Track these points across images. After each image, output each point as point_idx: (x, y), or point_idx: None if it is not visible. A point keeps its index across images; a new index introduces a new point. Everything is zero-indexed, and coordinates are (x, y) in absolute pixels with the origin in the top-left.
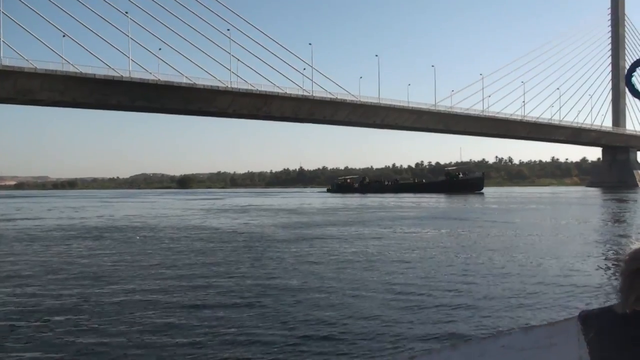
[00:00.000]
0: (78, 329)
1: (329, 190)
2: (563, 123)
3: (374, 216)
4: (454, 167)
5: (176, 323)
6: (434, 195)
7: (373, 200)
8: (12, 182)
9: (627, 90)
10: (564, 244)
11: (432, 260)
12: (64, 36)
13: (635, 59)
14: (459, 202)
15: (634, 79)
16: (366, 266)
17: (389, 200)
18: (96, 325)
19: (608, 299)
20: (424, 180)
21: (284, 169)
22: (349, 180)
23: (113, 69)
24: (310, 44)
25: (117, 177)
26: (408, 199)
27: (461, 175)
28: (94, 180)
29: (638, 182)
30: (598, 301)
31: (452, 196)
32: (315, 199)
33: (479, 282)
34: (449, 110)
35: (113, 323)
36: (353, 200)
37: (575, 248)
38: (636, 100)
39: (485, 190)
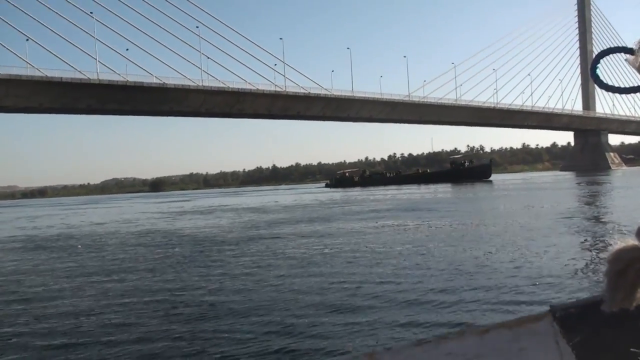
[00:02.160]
0: None
1: (327, 185)
2: (535, 109)
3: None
4: (460, 155)
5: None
6: (439, 185)
7: (375, 193)
8: None
9: (592, 80)
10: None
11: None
12: (27, 40)
13: (602, 45)
14: (465, 192)
15: (598, 71)
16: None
17: (392, 192)
18: None
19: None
20: (428, 170)
21: (257, 167)
22: (347, 174)
23: (80, 71)
24: (281, 38)
25: (88, 184)
26: (411, 190)
27: (467, 164)
28: (64, 187)
29: (610, 164)
30: (568, 292)
31: (458, 185)
32: (319, 194)
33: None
34: (423, 100)
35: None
36: (354, 193)
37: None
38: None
39: (494, 177)
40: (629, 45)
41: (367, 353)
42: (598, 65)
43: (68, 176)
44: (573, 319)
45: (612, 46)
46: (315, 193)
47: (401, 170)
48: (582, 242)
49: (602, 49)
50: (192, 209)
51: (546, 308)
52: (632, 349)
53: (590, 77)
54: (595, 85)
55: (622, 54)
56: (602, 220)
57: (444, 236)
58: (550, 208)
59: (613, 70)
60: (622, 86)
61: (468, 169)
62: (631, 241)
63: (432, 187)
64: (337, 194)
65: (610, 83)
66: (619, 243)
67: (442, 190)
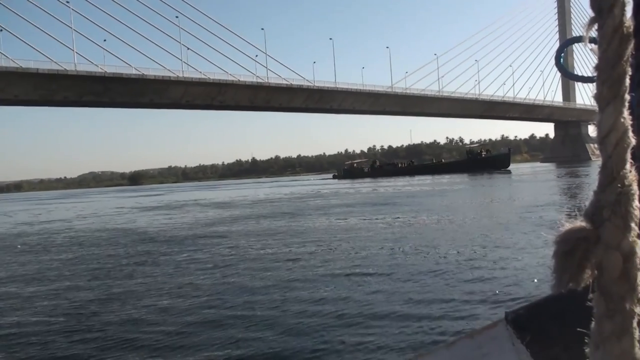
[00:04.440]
0: None
1: (335, 177)
2: (517, 100)
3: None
4: (477, 145)
5: None
6: (455, 175)
7: (387, 184)
8: None
9: (557, 70)
10: None
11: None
12: (1, 30)
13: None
14: (486, 182)
15: (562, 60)
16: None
17: (404, 183)
18: None
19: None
20: (442, 160)
21: (237, 160)
22: (355, 165)
23: (57, 62)
24: (262, 29)
25: (65, 177)
26: (426, 182)
27: (484, 153)
28: (41, 181)
29: (591, 156)
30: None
31: (475, 176)
32: (331, 185)
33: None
34: (406, 92)
35: None
36: (367, 185)
37: None
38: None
39: (513, 167)
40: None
41: None
42: (562, 54)
43: (45, 170)
44: (523, 319)
45: (576, 35)
46: (326, 184)
47: (414, 160)
48: None
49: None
50: (163, 204)
51: (502, 315)
52: (579, 330)
53: (555, 65)
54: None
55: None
56: None
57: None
58: None
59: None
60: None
61: (485, 159)
62: (579, 222)
63: (448, 178)
64: (350, 185)
65: (585, 74)
66: (566, 225)
67: (459, 181)
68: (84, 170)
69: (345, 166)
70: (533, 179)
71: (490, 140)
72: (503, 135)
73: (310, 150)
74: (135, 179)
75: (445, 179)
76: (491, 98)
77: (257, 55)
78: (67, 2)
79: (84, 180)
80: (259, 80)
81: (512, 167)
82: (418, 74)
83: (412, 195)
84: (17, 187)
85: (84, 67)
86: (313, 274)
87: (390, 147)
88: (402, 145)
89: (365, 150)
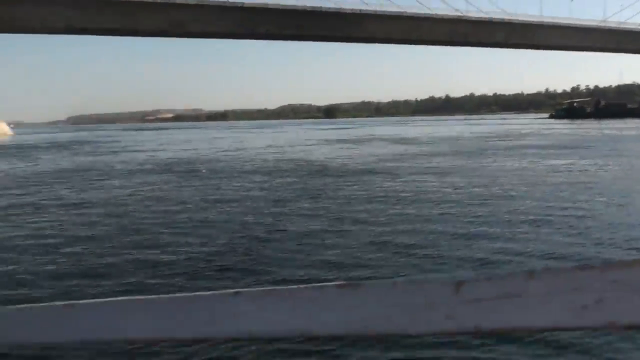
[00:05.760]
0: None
1: (552, 117)
2: None
3: None
4: None
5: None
6: None
7: (620, 127)
8: (170, 115)
9: None
10: None
11: None
12: None
13: None
14: None
15: None
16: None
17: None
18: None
19: None
20: None
21: (430, 97)
22: (575, 104)
23: None
24: None
25: (265, 109)
26: None
27: None
28: (244, 112)
29: None
30: None
31: None
32: (554, 127)
33: None
34: (621, 26)
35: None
36: (592, 127)
37: None
38: None
39: None
40: None
41: (527, 271)
42: None
43: (247, 100)
44: None
45: None
46: (543, 124)
47: None
48: None
49: None
50: (353, 138)
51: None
52: None
53: None
54: None
55: None
56: None
57: None
58: None
59: None
60: None
61: None
62: None
63: None
64: (571, 126)
65: None
66: None
67: None
68: (283, 102)
69: (565, 105)
70: None
71: None
72: None
73: (506, 88)
74: (330, 112)
75: None
76: None
77: None
78: None
79: (283, 112)
80: (458, 14)
81: None
82: (637, 6)
83: None
84: (222, 115)
85: (285, 1)
86: (488, 212)
87: (596, 87)
88: (611, 85)
89: (568, 90)
